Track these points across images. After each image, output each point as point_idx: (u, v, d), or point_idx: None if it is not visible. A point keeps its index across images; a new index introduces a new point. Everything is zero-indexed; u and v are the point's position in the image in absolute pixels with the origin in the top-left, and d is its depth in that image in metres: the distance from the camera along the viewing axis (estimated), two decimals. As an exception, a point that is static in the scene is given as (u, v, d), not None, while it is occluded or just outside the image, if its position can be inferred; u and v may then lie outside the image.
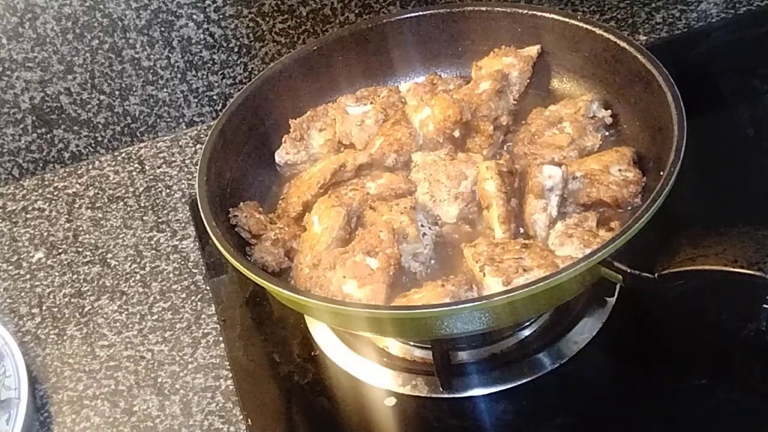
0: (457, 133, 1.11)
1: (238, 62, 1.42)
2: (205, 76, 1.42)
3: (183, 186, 1.36)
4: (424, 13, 1.23)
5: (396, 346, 1.07)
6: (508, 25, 1.20)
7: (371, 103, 1.18)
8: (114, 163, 1.42)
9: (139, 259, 1.26)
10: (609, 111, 1.12)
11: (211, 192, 1.05)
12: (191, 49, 1.39)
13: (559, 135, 1.10)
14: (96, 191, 1.38)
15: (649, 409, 0.96)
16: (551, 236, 1.00)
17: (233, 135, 1.13)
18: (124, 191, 1.37)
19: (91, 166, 1.43)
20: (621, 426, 0.97)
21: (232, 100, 1.18)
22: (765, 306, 0.92)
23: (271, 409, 1.06)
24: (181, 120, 1.45)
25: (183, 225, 1.30)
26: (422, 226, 1.03)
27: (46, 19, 1.31)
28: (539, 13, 1.18)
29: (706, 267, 0.87)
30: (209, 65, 1.41)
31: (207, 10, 1.36)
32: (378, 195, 1.07)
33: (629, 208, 1.02)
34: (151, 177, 1.38)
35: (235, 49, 1.41)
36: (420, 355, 1.05)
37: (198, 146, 1.42)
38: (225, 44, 1.40)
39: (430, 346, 1.01)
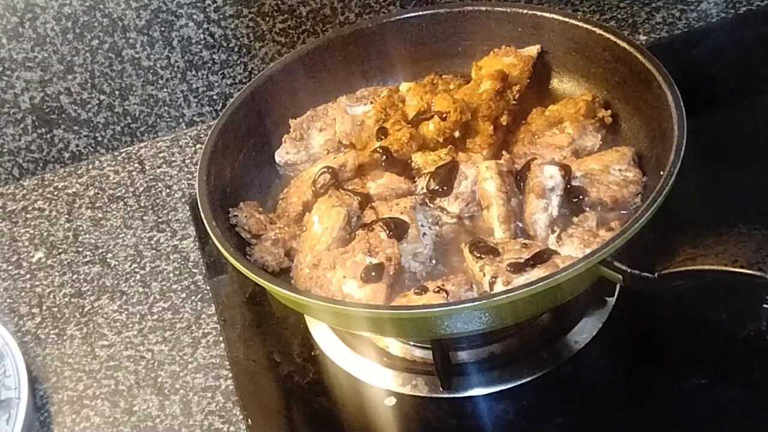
0: (457, 133, 1.11)
1: (238, 62, 1.42)
2: (205, 76, 1.42)
3: (183, 186, 1.36)
4: (424, 13, 1.24)
5: (396, 346, 1.07)
6: (508, 25, 1.20)
7: (371, 103, 1.18)
8: (114, 163, 1.42)
9: (139, 259, 1.26)
10: (609, 111, 1.12)
11: (211, 192, 1.05)
12: (191, 49, 1.39)
13: (559, 135, 1.10)
14: (96, 191, 1.38)
15: (649, 408, 0.96)
16: (551, 236, 1.00)
17: (233, 135, 1.13)
18: (124, 191, 1.37)
19: (91, 166, 1.43)
20: (621, 426, 0.97)
21: (232, 100, 1.18)
22: (765, 306, 0.92)
23: (271, 409, 1.06)
24: (181, 120, 1.45)
25: (183, 225, 1.30)
26: (422, 226, 1.03)
27: (46, 19, 1.31)
28: (539, 13, 1.18)
29: (706, 267, 0.87)
30: (209, 65, 1.41)
31: (207, 10, 1.36)
32: (378, 195, 1.07)
33: (629, 208, 1.02)
34: (151, 177, 1.38)
35: (235, 49, 1.41)
36: (420, 355, 1.05)
37: (198, 146, 1.42)
38: (225, 44, 1.40)
39: (430, 346, 1.01)
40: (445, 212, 1.06)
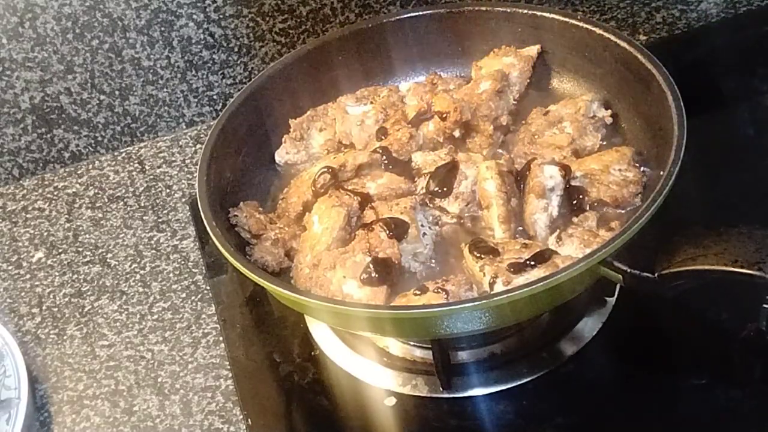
0: (457, 133, 1.11)
1: (238, 62, 1.42)
2: (205, 76, 1.42)
3: (183, 186, 1.36)
4: (424, 13, 1.24)
5: (396, 346, 1.07)
6: (508, 25, 1.20)
7: (371, 103, 1.18)
8: (114, 163, 1.42)
9: (139, 259, 1.26)
10: (609, 111, 1.12)
11: (211, 192, 1.05)
12: (191, 49, 1.39)
13: (559, 135, 1.10)
14: (96, 191, 1.38)
15: (649, 408, 0.96)
16: (551, 236, 1.00)
17: (233, 135, 1.13)
18: (124, 191, 1.37)
19: (91, 166, 1.43)
20: (621, 426, 0.97)
21: (232, 100, 1.18)
22: (765, 306, 0.92)
23: (271, 409, 1.06)
24: (181, 120, 1.45)
25: (183, 225, 1.30)
26: (422, 226, 1.03)
27: (46, 19, 1.31)
28: (539, 13, 1.18)
29: (706, 267, 0.87)
30: (209, 65, 1.41)
31: (207, 10, 1.36)
32: (378, 195, 1.07)
33: (629, 208, 1.02)
34: (151, 177, 1.38)
35: (235, 49, 1.41)
36: (420, 355, 1.05)
37: (198, 146, 1.42)
38: (225, 44, 1.40)
39: (430, 346, 1.01)
40: (445, 212, 1.06)
